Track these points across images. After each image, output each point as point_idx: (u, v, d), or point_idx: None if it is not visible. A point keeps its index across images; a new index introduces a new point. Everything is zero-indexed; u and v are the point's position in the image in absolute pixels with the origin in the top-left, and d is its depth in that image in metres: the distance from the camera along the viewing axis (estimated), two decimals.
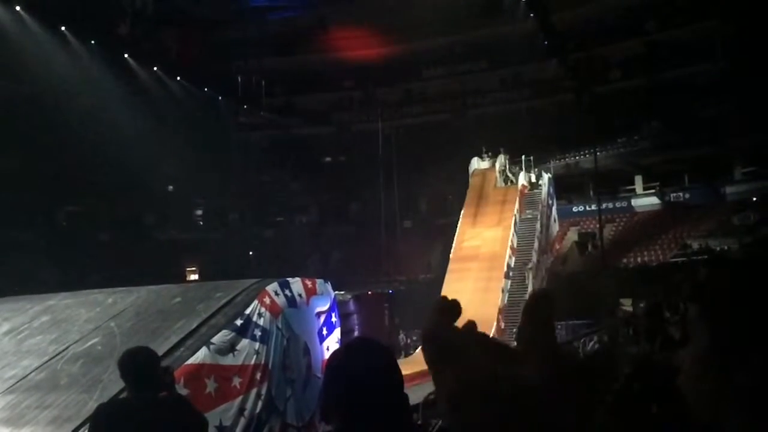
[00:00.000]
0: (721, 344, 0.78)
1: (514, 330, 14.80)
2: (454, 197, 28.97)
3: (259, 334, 6.75)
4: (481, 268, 22.19)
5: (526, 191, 25.29)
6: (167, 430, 3.13)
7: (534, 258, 23.00)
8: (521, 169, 26.39)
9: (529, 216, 24.41)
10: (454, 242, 23.82)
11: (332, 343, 8.38)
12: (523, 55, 33.01)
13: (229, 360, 6.30)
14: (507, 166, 26.59)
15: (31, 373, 6.24)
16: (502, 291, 21.19)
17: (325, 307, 8.55)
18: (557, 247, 27.88)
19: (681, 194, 29.92)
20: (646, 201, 30.54)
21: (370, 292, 22.03)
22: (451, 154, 28.94)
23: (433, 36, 34.05)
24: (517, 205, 24.11)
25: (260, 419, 6.53)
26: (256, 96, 35.95)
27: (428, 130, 34.04)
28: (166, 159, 28.38)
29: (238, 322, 6.59)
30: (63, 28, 26.10)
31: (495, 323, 19.39)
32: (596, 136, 26.72)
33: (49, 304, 7.89)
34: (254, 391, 6.50)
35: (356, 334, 15.33)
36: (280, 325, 7.15)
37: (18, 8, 24.49)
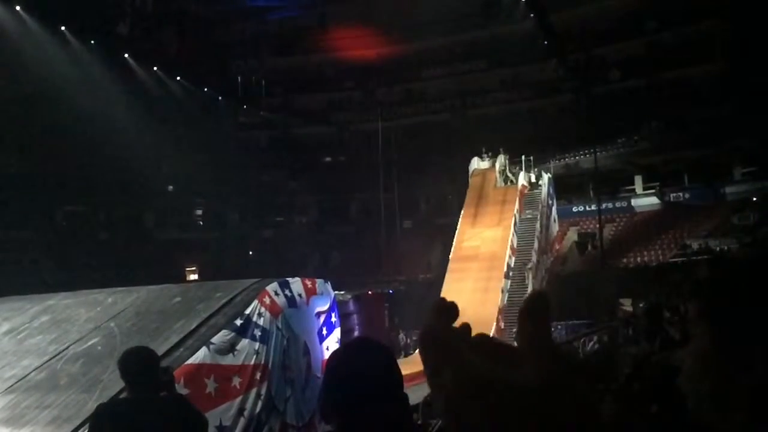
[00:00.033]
0: (721, 344, 0.78)
1: (514, 330, 14.81)
2: (454, 197, 28.98)
3: (259, 334, 6.75)
4: (481, 268, 22.18)
5: (526, 191, 25.29)
6: (167, 430, 3.13)
7: (534, 258, 22.99)
8: (521, 169, 26.39)
9: (529, 216, 24.40)
10: (454, 242, 23.81)
11: (332, 343, 8.39)
12: (523, 55, 33.04)
13: (228, 360, 6.31)
14: (507, 166, 26.58)
15: (31, 373, 6.25)
16: (502, 291, 21.19)
17: (325, 307, 8.55)
18: (557, 247, 27.88)
19: (681, 194, 29.91)
20: (645, 201, 30.53)
21: (370, 292, 22.06)
22: (451, 154, 28.96)
23: (433, 36, 34.06)
24: (517, 205, 24.10)
25: (260, 419, 6.53)
26: (255, 96, 35.95)
27: (428, 130, 34.05)
28: (165, 159, 28.41)
29: (238, 322, 6.60)
30: (63, 28, 26.12)
31: (495, 323, 19.39)
32: (596, 136, 26.73)
33: (49, 304, 7.90)
34: (254, 391, 6.50)
35: (356, 334, 15.34)
36: (280, 325, 7.16)
37: (18, 8, 24.51)
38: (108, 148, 25.23)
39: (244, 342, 6.53)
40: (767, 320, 0.75)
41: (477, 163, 27.14)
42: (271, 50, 36.39)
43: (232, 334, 6.46)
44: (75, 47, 26.37)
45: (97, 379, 5.77)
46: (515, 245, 23.00)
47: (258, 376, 6.59)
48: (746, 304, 0.77)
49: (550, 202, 26.43)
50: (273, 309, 7.12)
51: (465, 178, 26.94)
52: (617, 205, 30.61)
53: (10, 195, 21.47)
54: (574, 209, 31.38)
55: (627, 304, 20.02)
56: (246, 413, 6.34)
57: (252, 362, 6.55)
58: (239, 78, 35.98)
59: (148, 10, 31.42)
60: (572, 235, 29.97)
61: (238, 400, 6.28)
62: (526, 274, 22.26)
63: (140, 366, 3.15)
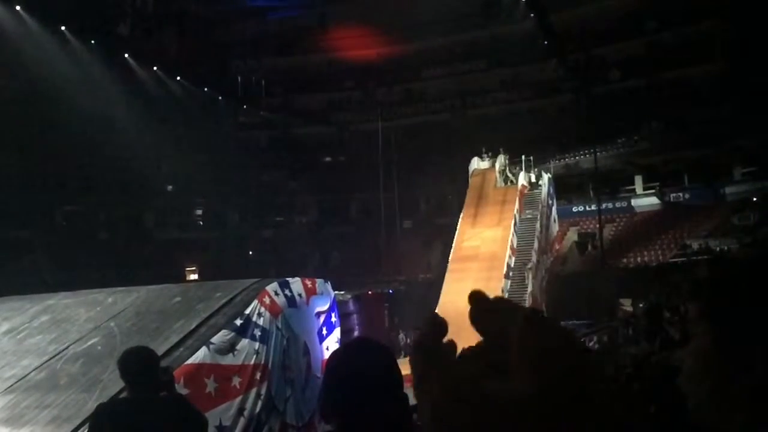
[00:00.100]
0: (721, 344, 0.78)
1: None
2: (454, 197, 28.97)
3: (259, 333, 6.75)
4: (481, 268, 22.15)
5: (525, 191, 25.28)
6: (167, 430, 3.13)
7: (534, 258, 22.98)
8: (521, 169, 26.37)
9: (529, 216, 24.39)
10: (454, 242, 23.80)
11: (332, 342, 8.39)
12: (523, 55, 33.04)
13: (228, 360, 6.31)
14: (507, 166, 26.57)
15: (30, 372, 6.25)
16: (502, 291, 21.13)
17: (325, 307, 8.55)
18: (557, 247, 27.87)
19: (681, 194, 29.90)
20: (645, 201, 30.53)
21: (370, 292, 22.08)
22: (451, 154, 28.95)
23: (433, 36, 34.08)
24: (517, 205, 24.09)
25: (260, 419, 6.53)
26: (255, 96, 35.94)
27: (428, 130, 34.05)
28: (165, 159, 28.41)
29: (238, 321, 6.60)
30: (63, 28, 26.10)
31: None
32: (596, 136, 26.73)
33: (49, 304, 7.90)
34: (254, 391, 6.50)
35: (356, 333, 15.34)
36: (279, 325, 7.16)
37: (18, 8, 24.49)
38: (108, 148, 25.23)
39: (244, 342, 6.53)
40: (767, 320, 0.75)
41: (477, 163, 27.13)
42: (271, 50, 36.38)
43: (232, 334, 6.46)
44: (75, 47, 26.36)
45: (97, 378, 5.77)
46: (515, 245, 22.99)
47: (258, 376, 6.59)
48: (746, 304, 0.77)
49: (550, 202, 26.41)
50: (273, 309, 7.13)
51: (465, 178, 26.94)
52: (617, 205, 30.61)
53: (10, 195, 21.45)
54: (574, 209, 31.38)
55: (627, 304, 20.02)
56: (246, 413, 6.34)
57: (252, 362, 6.55)
58: (239, 78, 35.97)
59: (148, 11, 31.40)
60: (572, 235, 29.97)
61: (238, 400, 6.28)
62: (526, 275, 22.25)
63: (140, 366, 3.15)
